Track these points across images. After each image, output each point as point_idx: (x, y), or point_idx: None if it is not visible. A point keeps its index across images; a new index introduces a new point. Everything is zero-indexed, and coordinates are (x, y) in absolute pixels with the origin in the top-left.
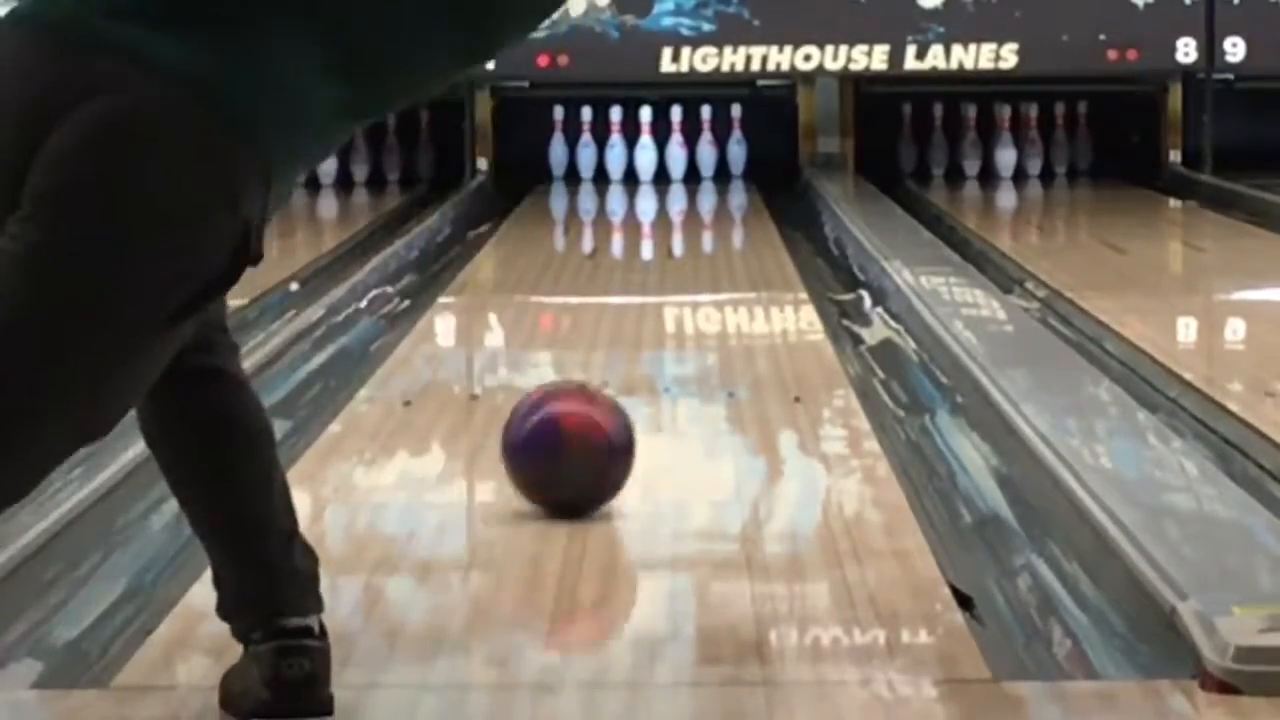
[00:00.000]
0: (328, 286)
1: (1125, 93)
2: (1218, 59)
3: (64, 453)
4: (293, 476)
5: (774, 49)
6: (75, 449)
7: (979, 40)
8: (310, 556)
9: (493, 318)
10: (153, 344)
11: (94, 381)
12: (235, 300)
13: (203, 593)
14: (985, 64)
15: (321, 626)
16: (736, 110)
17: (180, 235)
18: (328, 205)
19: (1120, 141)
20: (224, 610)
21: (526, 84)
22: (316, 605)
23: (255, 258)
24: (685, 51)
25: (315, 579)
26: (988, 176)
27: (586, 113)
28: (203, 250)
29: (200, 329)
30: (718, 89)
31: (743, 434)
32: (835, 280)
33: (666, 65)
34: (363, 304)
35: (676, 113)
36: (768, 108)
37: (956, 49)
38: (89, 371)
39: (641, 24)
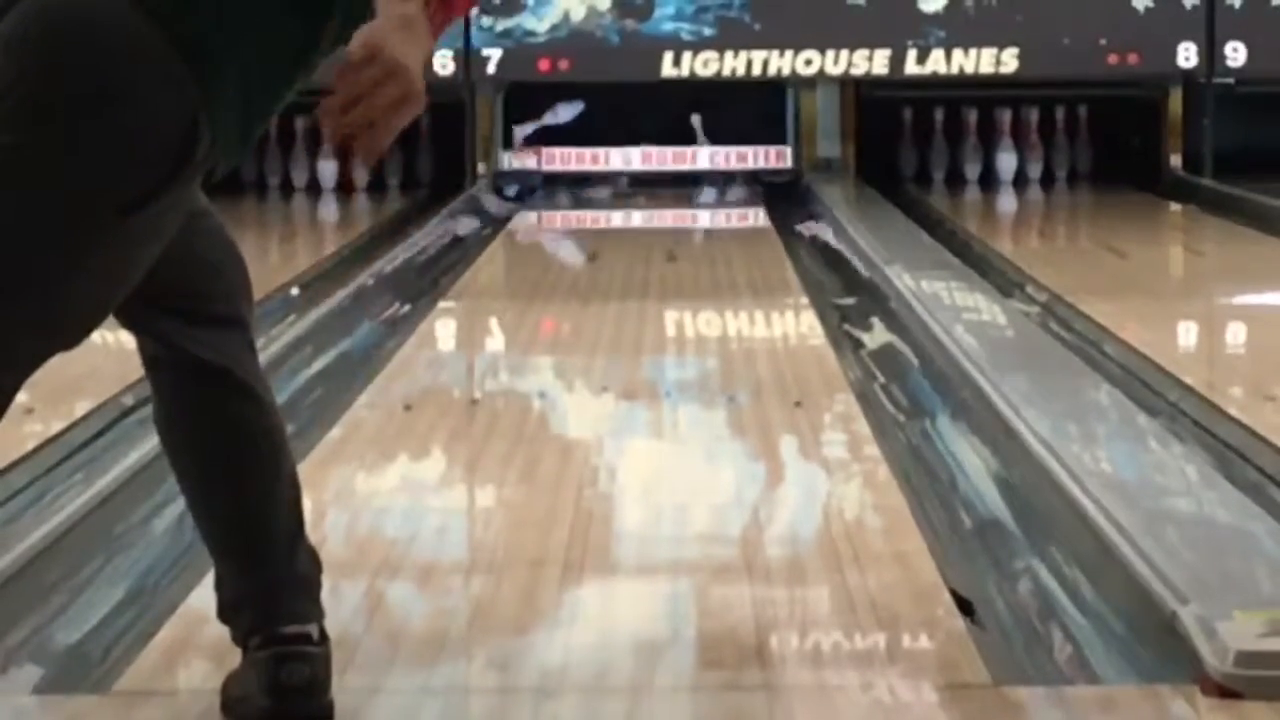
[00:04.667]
0: (329, 291)
1: (1126, 97)
2: (1218, 63)
3: (32, 356)
4: None
5: (775, 53)
6: (44, 353)
7: (980, 45)
8: (314, 563)
9: (493, 322)
10: (106, 240)
11: (52, 278)
12: None
13: (204, 597)
14: (986, 68)
15: (322, 632)
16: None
17: (117, 123)
18: (328, 209)
19: (1121, 146)
20: (224, 613)
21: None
22: (317, 612)
23: (204, 160)
24: (686, 56)
25: (317, 586)
26: (988, 181)
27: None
28: (143, 139)
29: (216, 326)
30: (717, 93)
31: (743, 438)
32: (836, 285)
33: (667, 70)
34: (364, 308)
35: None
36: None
37: (957, 53)
38: (45, 266)
39: (642, 29)
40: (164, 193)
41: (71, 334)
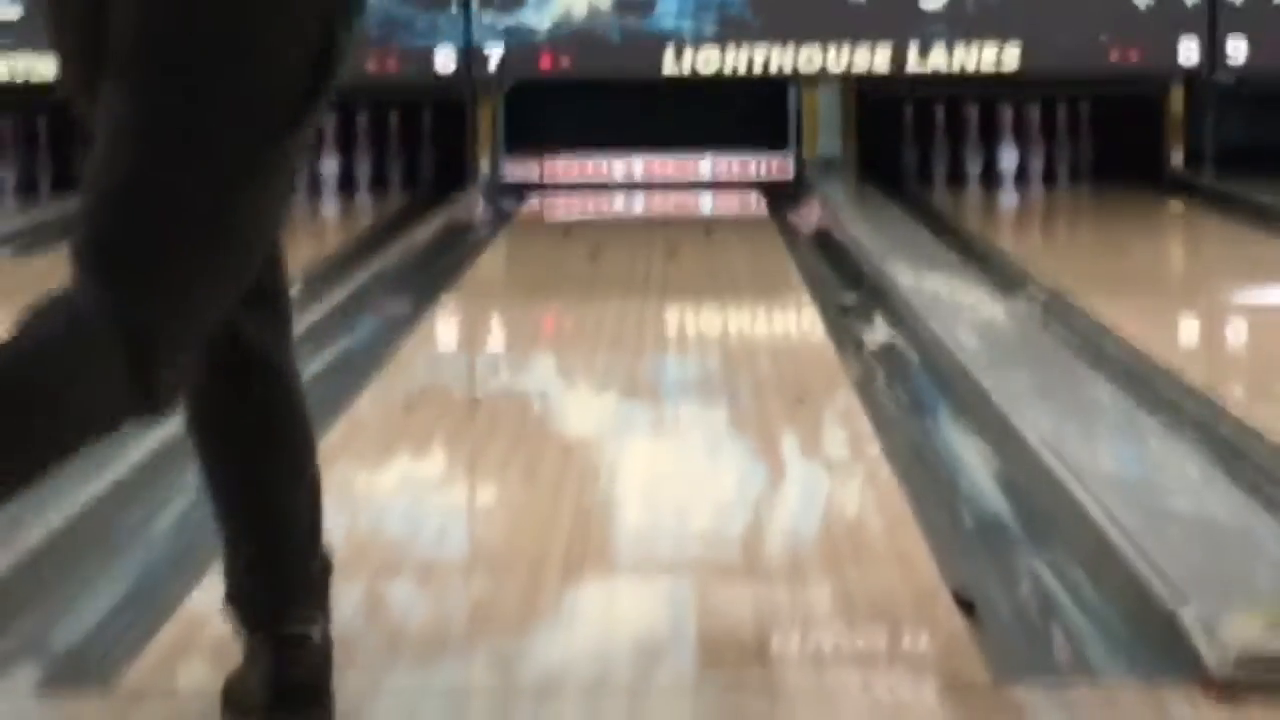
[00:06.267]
0: (329, 289)
1: (1127, 94)
2: (1220, 60)
3: (229, 299)
4: None
5: (776, 50)
6: (235, 295)
7: (981, 42)
8: (326, 565)
9: (494, 320)
10: (270, 164)
11: (237, 222)
12: None
13: (204, 597)
14: (987, 66)
15: (325, 632)
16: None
17: (269, 40)
18: (330, 206)
19: (1122, 143)
20: (232, 604)
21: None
22: (323, 612)
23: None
24: (687, 53)
25: (327, 586)
26: (990, 178)
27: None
28: (293, 55)
29: (261, 303)
30: (715, 92)
31: (744, 436)
32: (837, 282)
33: (669, 67)
34: (365, 307)
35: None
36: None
37: (959, 51)
38: (229, 211)
39: (644, 25)
40: (313, 109)
41: (253, 269)
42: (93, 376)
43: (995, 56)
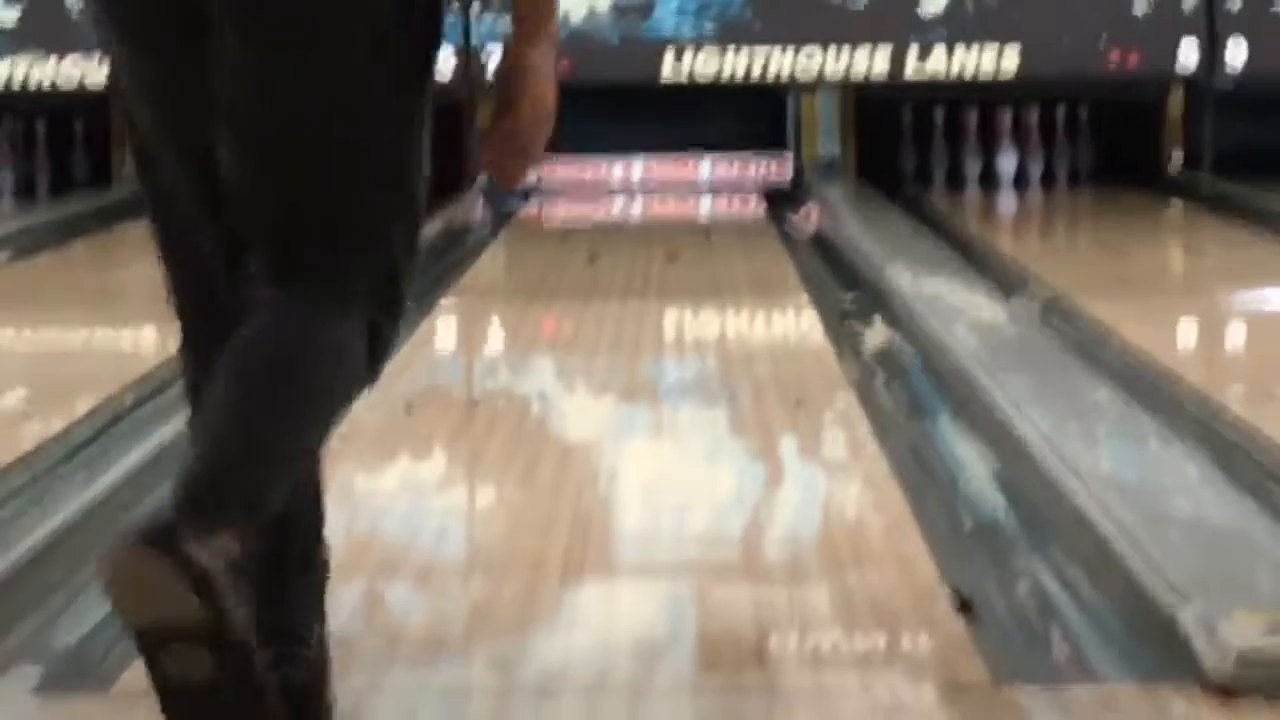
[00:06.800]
0: None
1: (1126, 98)
2: (1218, 63)
3: (417, 257)
4: None
5: (775, 53)
6: (417, 238)
7: (980, 45)
8: (325, 565)
9: (494, 322)
10: (423, 104)
11: (408, 168)
12: None
13: None
14: (987, 69)
15: (323, 631)
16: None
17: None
18: None
19: (1121, 146)
20: None
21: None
22: (321, 612)
23: None
24: (687, 56)
25: (325, 586)
26: (989, 180)
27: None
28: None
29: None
30: (713, 95)
31: (743, 438)
32: (836, 284)
33: (668, 70)
34: None
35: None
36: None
37: (958, 54)
38: (408, 171)
39: (643, 29)
40: (436, 52)
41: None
42: (344, 366)
43: (994, 61)
